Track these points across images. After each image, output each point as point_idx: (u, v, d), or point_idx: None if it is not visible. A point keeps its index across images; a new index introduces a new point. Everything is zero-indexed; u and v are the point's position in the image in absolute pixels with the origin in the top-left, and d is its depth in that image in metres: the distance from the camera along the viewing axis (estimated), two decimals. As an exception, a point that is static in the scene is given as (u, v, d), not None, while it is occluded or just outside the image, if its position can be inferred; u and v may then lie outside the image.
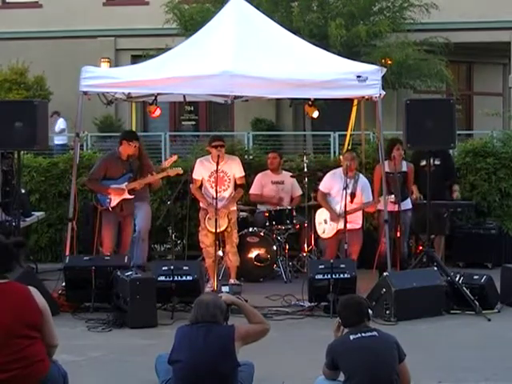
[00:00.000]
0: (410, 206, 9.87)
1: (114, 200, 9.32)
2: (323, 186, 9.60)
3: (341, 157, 10.89)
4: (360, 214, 9.54)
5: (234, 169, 9.53)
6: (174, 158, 10.04)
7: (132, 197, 9.46)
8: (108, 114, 20.50)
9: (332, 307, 8.05)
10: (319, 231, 9.67)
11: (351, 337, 4.96)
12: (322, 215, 9.58)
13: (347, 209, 9.17)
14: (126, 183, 9.37)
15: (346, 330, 5.07)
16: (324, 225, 9.54)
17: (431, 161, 9.36)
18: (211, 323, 5.06)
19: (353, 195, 9.29)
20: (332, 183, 9.50)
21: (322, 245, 9.99)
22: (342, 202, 9.19)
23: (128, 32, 22.39)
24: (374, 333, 4.99)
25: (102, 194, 9.35)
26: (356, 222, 9.35)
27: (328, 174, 9.66)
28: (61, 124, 20.43)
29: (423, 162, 9.85)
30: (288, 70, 9.02)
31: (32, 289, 4.65)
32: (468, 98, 23.27)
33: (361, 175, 9.53)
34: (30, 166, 11.49)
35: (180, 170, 9.72)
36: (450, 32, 20.12)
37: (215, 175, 9.30)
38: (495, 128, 15.38)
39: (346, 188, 9.18)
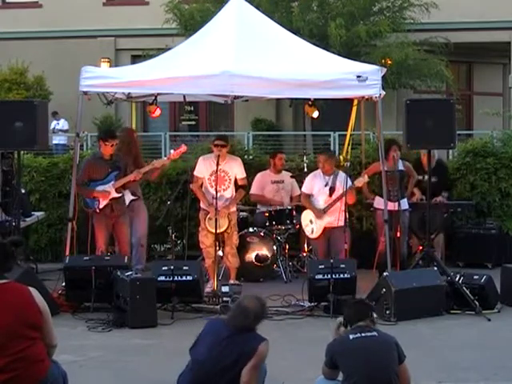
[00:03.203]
0: (406, 206, 9.87)
1: (103, 201, 9.24)
2: (305, 187, 9.73)
3: (341, 157, 10.92)
4: (342, 211, 9.49)
5: (235, 169, 9.52)
6: (184, 148, 9.59)
7: (120, 195, 9.34)
8: (108, 114, 20.49)
9: (332, 307, 8.05)
10: (307, 233, 9.70)
11: (351, 336, 4.97)
12: (307, 217, 9.63)
13: (327, 204, 9.35)
14: (113, 182, 9.29)
15: (348, 329, 5.07)
16: (310, 225, 9.58)
17: (426, 177, 9.50)
18: (241, 329, 5.01)
19: (332, 189, 9.37)
20: (313, 184, 9.61)
21: (313, 246, 9.99)
22: (322, 197, 9.41)
23: (128, 32, 22.40)
24: (374, 333, 4.99)
25: (89, 197, 9.25)
26: (341, 219, 9.31)
27: (309, 176, 9.75)
28: (64, 124, 20.50)
29: (420, 177, 10.05)
30: (288, 70, 9.02)
31: (31, 289, 4.65)
32: (468, 98, 23.28)
33: (340, 172, 9.54)
34: (30, 166, 11.49)
35: (166, 161, 9.55)
36: (450, 32, 20.14)
37: (216, 175, 9.29)
38: (495, 128, 15.35)
39: (326, 185, 9.42)
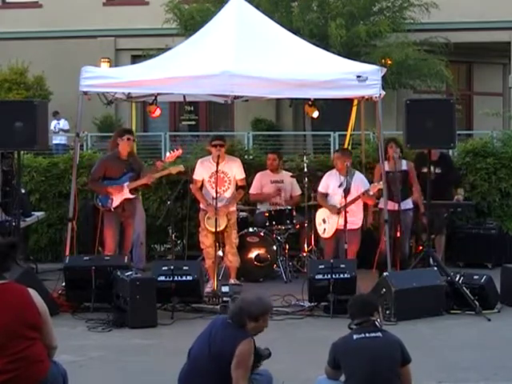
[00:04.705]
0: (410, 206, 9.86)
1: (116, 200, 9.30)
2: (321, 186, 9.71)
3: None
4: (360, 213, 9.53)
5: (234, 170, 9.52)
6: (179, 152, 9.64)
7: (133, 196, 9.45)
8: (108, 114, 20.52)
9: (332, 307, 8.05)
10: (320, 231, 9.70)
11: (354, 336, 4.96)
12: (320, 215, 9.63)
13: (341, 205, 9.28)
14: (128, 183, 9.35)
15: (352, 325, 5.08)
16: (323, 224, 9.57)
17: (432, 169, 9.40)
18: (233, 322, 5.01)
19: (347, 191, 9.30)
20: (328, 182, 9.60)
21: (322, 245, 10.01)
22: (337, 197, 9.36)
23: (128, 32, 22.42)
24: (378, 333, 4.97)
25: (102, 193, 9.33)
26: (354, 222, 9.34)
27: (325, 175, 9.74)
28: (64, 124, 20.53)
29: (424, 169, 9.87)
30: (288, 70, 9.02)
31: (31, 290, 4.64)
32: (468, 98, 23.30)
33: (357, 172, 9.54)
34: (30, 166, 11.48)
35: (182, 168, 9.62)
36: (450, 32, 20.16)
37: (215, 176, 9.31)
38: (495, 128, 15.38)
39: (340, 185, 9.35)
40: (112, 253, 9.23)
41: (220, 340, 4.94)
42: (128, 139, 9.39)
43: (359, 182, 9.37)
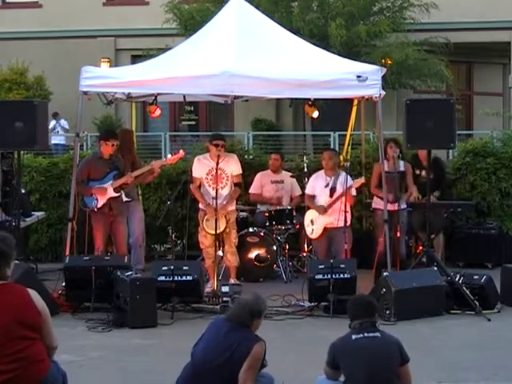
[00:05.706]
0: (405, 205, 9.86)
1: (101, 200, 9.29)
2: (308, 188, 9.78)
3: (341, 157, 10.91)
4: (348, 211, 9.49)
5: (231, 166, 9.52)
6: (181, 154, 9.66)
7: (118, 195, 9.38)
8: (108, 114, 20.51)
9: (332, 307, 8.05)
10: (308, 233, 9.73)
11: (353, 336, 4.96)
12: (308, 217, 9.67)
13: (327, 204, 9.36)
14: (111, 182, 9.33)
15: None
16: (311, 226, 9.60)
17: (423, 173, 9.49)
18: (237, 323, 5.05)
19: (332, 190, 9.37)
20: (315, 184, 9.65)
21: (314, 246, 10.02)
22: (323, 197, 9.45)
23: (128, 32, 22.43)
24: (377, 334, 4.97)
25: (87, 195, 9.31)
26: (340, 219, 9.33)
27: (311, 177, 9.77)
28: (64, 124, 20.53)
29: (417, 171, 9.94)
30: (288, 70, 9.02)
31: (31, 290, 4.63)
32: (468, 98, 23.30)
33: (342, 172, 9.55)
34: (30, 166, 11.48)
35: (165, 162, 9.65)
36: (450, 32, 20.16)
37: (213, 173, 9.29)
38: (495, 128, 15.39)
39: (327, 186, 9.44)
40: (100, 252, 9.19)
41: (235, 343, 4.95)
42: (112, 145, 9.35)
43: (344, 181, 9.37)
